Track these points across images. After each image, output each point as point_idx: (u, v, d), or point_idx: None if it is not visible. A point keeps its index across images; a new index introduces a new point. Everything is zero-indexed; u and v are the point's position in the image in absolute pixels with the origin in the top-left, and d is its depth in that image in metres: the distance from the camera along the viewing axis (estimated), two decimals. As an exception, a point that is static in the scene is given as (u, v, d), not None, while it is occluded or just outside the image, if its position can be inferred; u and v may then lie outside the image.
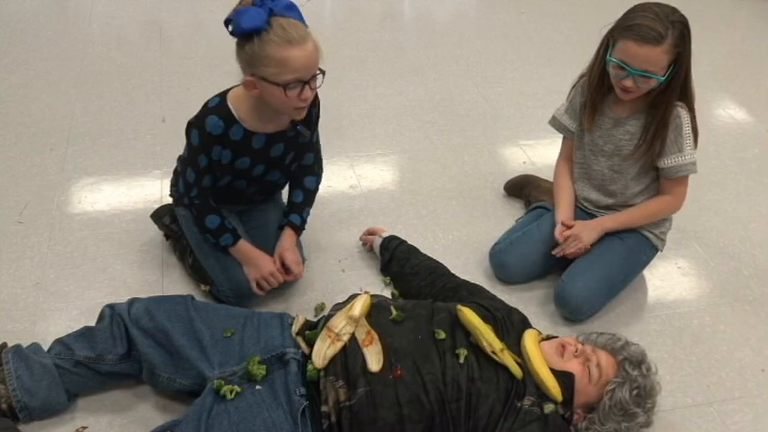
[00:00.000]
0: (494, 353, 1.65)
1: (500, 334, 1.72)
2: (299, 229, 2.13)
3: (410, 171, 2.79)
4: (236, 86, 1.89)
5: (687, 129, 1.99)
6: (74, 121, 2.94)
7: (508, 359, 1.66)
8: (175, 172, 2.13)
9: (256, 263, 2.03)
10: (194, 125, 1.89)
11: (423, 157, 2.87)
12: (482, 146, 2.97)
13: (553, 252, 2.14)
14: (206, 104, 1.90)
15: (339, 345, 1.66)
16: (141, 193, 2.53)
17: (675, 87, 1.92)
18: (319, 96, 2.01)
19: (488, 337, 1.67)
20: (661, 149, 2.01)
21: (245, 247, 2.03)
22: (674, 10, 1.86)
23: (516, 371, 1.65)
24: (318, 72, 1.80)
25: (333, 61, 3.55)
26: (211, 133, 1.86)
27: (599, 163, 2.16)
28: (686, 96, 1.98)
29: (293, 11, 1.75)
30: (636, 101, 2.02)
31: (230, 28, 1.71)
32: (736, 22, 4.45)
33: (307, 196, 2.15)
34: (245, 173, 1.98)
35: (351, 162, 2.80)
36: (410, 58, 3.64)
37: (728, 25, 4.37)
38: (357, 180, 2.71)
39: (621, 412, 1.65)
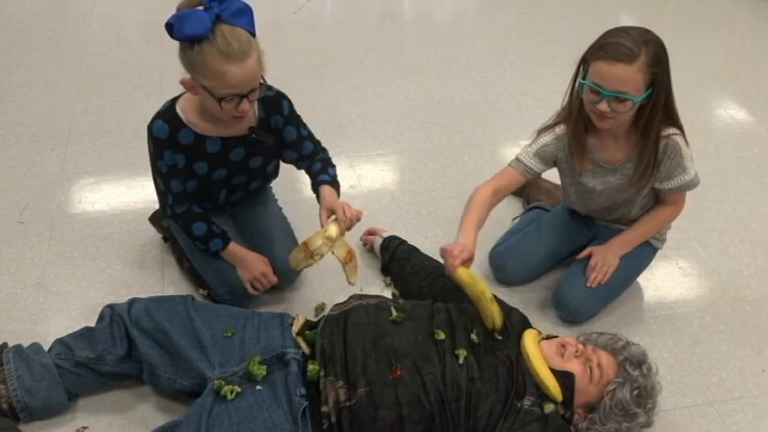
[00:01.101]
0: (483, 299, 1.72)
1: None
2: (331, 184, 2.03)
3: (410, 171, 2.79)
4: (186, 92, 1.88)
5: (685, 149, 1.96)
6: (74, 121, 2.94)
7: (495, 309, 1.72)
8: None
9: (248, 264, 2.02)
10: (148, 130, 1.89)
11: (423, 157, 2.87)
12: (482, 146, 2.97)
13: (588, 284, 2.09)
14: (158, 110, 1.89)
15: (311, 261, 1.84)
16: (141, 193, 2.53)
17: (658, 112, 1.85)
18: (289, 99, 2.00)
19: (483, 286, 1.74)
20: (665, 174, 1.97)
21: (235, 249, 2.02)
22: (648, 31, 1.79)
23: (497, 322, 1.71)
24: (260, 83, 1.76)
25: (333, 61, 3.57)
26: (158, 137, 1.84)
27: (597, 197, 2.12)
28: (672, 119, 1.91)
29: (243, 16, 1.68)
30: (622, 142, 1.97)
31: (169, 33, 1.67)
32: (736, 22, 4.45)
33: (324, 163, 2.09)
34: (206, 178, 1.96)
35: (351, 162, 2.80)
36: (410, 58, 3.64)
37: (728, 25, 4.37)
38: (357, 180, 2.71)
39: (622, 412, 1.66)
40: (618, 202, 2.11)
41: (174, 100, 1.88)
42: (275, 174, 2.18)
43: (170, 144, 1.86)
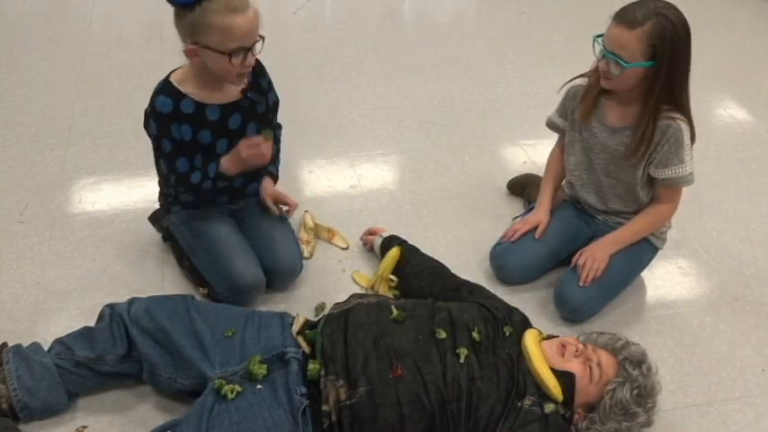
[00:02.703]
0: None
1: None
2: (276, 178, 2.25)
3: (410, 171, 2.79)
4: (176, 69, 1.92)
5: (687, 140, 1.98)
6: (74, 121, 2.94)
7: (383, 288, 2.10)
8: (160, 183, 2.16)
9: (238, 153, 1.92)
10: (148, 115, 1.91)
11: (423, 157, 2.87)
12: (482, 146, 2.97)
13: (580, 283, 2.09)
14: (153, 91, 1.92)
15: (309, 246, 2.31)
16: (141, 192, 2.53)
17: (656, 87, 1.89)
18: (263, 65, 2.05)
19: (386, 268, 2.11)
20: (661, 160, 2.00)
21: (225, 158, 1.94)
22: (669, 7, 1.85)
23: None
24: (258, 38, 1.81)
25: (333, 61, 3.57)
26: (162, 112, 1.87)
27: (596, 160, 2.15)
28: (677, 105, 1.94)
29: None
30: (629, 110, 2.00)
31: None
32: (736, 22, 4.45)
33: (276, 147, 2.22)
34: (210, 149, 1.96)
35: (351, 162, 2.80)
36: (410, 58, 3.64)
37: (728, 25, 4.37)
38: (357, 180, 2.71)
39: (622, 412, 1.66)
40: (614, 180, 2.12)
41: (167, 77, 1.92)
42: (275, 155, 2.19)
43: (174, 117, 1.88)
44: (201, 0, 1.69)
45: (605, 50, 1.88)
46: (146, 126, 1.95)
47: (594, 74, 2.03)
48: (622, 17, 1.85)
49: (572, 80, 2.15)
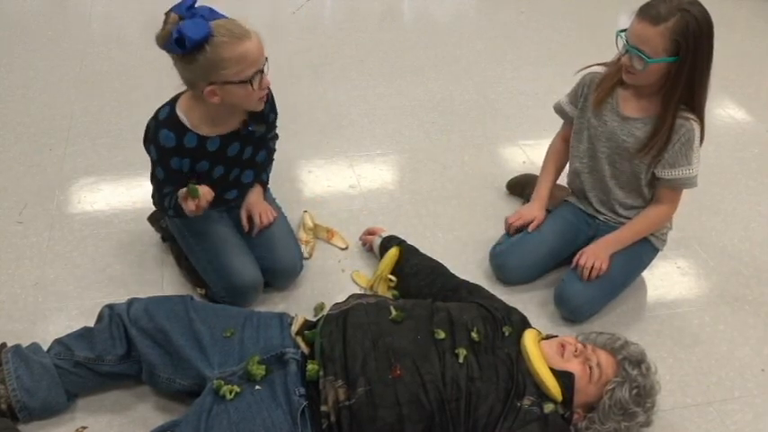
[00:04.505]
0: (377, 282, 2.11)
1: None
2: (265, 185, 2.23)
3: (410, 171, 2.79)
4: (183, 92, 1.90)
5: (697, 142, 1.99)
6: (73, 121, 2.94)
7: (382, 288, 2.11)
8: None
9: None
10: (150, 141, 1.90)
11: (422, 157, 2.87)
12: (482, 146, 2.97)
13: (584, 279, 2.09)
14: (156, 115, 1.90)
15: (309, 246, 2.31)
16: (141, 193, 2.53)
17: (679, 83, 1.90)
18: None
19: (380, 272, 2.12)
20: (668, 159, 2.00)
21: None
22: (694, 2, 1.85)
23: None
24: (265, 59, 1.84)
25: (333, 61, 3.57)
26: (165, 146, 1.87)
27: (601, 149, 2.14)
28: (694, 105, 1.95)
29: (215, 12, 1.77)
30: (645, 103, 2.01)
31: (182, 46, 1.68)
32: (736, 22, 4.45)
33: (270, 155, 2.21)
34: (205, 175, 1.97)
35: (350, 162, 2.80)
36: (410, 58, 3.64)
37: (728, 25, 4.36)
38: (357, 180, 2.71)
39: (621, 412, 1.66)
40: (617, 171, 2.12)
41: (173, 105, 1.89)
42: (267, 164, 2.20)
43: (177, 151, 1.88)
44: (209, 38, 1.69)
45: (628, 45, 1.88)
46: (145, 146, 1.94)
47: (615, 65, 2.02)
48: (646, 12, 1.84)
49: (589, 66, 2.14)
